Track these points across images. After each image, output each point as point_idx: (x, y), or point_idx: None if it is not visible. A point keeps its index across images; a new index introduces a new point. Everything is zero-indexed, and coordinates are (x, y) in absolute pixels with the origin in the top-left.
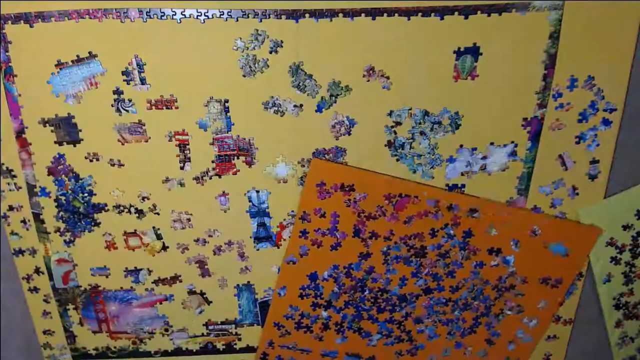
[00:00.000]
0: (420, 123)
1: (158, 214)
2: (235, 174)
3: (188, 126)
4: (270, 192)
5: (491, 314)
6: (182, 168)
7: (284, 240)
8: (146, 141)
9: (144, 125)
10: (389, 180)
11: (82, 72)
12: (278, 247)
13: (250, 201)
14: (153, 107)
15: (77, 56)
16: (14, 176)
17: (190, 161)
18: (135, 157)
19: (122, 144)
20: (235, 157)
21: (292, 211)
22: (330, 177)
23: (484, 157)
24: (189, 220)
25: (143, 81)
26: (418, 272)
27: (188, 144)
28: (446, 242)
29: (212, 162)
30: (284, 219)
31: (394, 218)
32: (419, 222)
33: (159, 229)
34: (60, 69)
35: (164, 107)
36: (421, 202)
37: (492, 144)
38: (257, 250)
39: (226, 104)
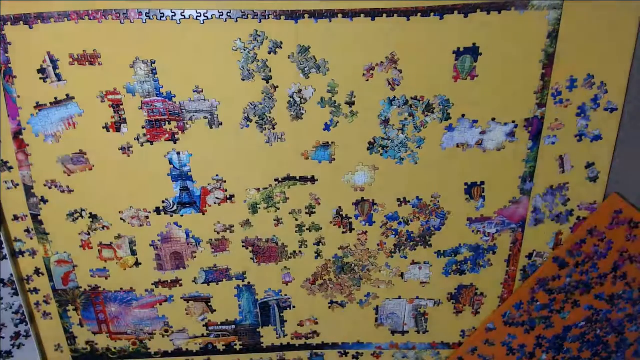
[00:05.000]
0: (420, 125)
1: None
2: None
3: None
4: (192, 154)
5: None
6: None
7: (209, 206)
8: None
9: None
10: None
11: (60, 114)
12: (203, 214)
13: (171, 163)
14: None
15: (55, 98)
16: (17, 185)
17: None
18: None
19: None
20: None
21: (217, 175)
22: (624, 212)
23: (483, 132)
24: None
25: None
26: None
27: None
28: None
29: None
30: (209, 184)
31: None
32: None
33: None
34: (39, 110)
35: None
36: None
37: (493, 119)
38: (182, 216)
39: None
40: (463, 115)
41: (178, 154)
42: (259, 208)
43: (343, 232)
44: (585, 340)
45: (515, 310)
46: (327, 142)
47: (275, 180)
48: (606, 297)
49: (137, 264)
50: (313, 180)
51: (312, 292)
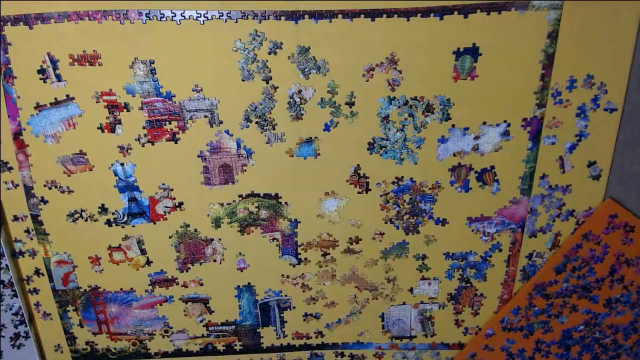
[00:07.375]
0: (420, 126)
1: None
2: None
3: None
4: (136, 165)
5: None
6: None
7: (165, 219)
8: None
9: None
10: None
11: (60, 114)
12: (154, 223)
13: (116, 175)
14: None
15: (55, 99)
16: (17, 185)
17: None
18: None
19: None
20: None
21: (164, 184)
22: (619, 217)
23: (477, 137)
24: None
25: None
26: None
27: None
28: None
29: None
30: (156, 193)
31: None
32: None
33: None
34: (39, 110)
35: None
36: None
37: (484, 122)
38: (133, 227)
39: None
40: (453, 126)
41: (122, 165)
42: (222, 222)
43: (359, 193)
44: (585, 344)
45: (513, 316)
46: (311, 138)
47: (239, 196)
48: (604, 300)
49: (148, 262)
50: (277, 197)
51: (313, 299)
